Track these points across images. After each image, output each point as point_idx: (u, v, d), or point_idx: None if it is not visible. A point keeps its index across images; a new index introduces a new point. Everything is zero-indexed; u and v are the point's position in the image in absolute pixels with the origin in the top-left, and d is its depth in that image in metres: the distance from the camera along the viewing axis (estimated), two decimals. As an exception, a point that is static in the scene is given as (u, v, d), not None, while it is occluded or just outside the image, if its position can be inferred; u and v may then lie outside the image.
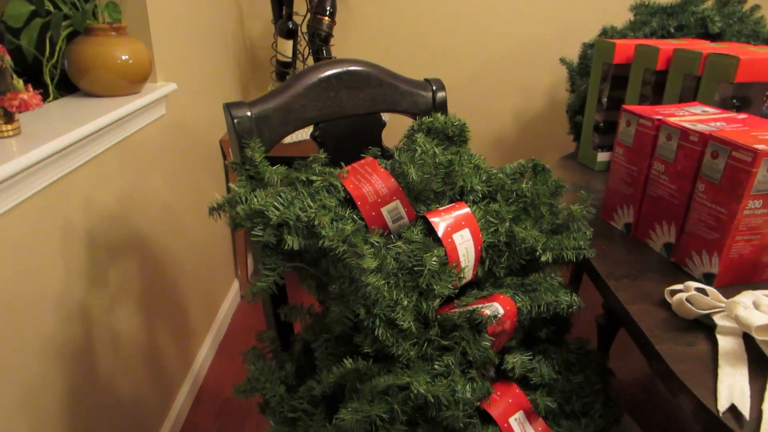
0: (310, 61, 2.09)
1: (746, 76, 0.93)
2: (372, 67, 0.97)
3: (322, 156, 0.80)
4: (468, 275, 0.77)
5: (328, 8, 1.91)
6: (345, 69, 0.93)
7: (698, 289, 0.69)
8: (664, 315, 0.69)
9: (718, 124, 0.79)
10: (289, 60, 1.95)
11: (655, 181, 0.84)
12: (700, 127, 0.77)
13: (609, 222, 0.95)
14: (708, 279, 0.76)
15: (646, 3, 1.67)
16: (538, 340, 0.85)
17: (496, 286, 0.81)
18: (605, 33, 1.68)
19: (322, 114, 0.93)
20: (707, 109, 0.89)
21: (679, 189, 0.79)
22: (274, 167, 0.80)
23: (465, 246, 0.75)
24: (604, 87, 1.21)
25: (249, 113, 0.85)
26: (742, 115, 0.84)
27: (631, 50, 1.14)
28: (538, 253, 0.80)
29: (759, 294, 0.65)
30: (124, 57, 1.20)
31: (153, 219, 1.35)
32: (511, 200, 0.85)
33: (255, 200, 0.74)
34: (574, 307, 0.79)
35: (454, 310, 0.74)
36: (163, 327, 1.44)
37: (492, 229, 0.79)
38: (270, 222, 0.73)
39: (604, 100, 1.21)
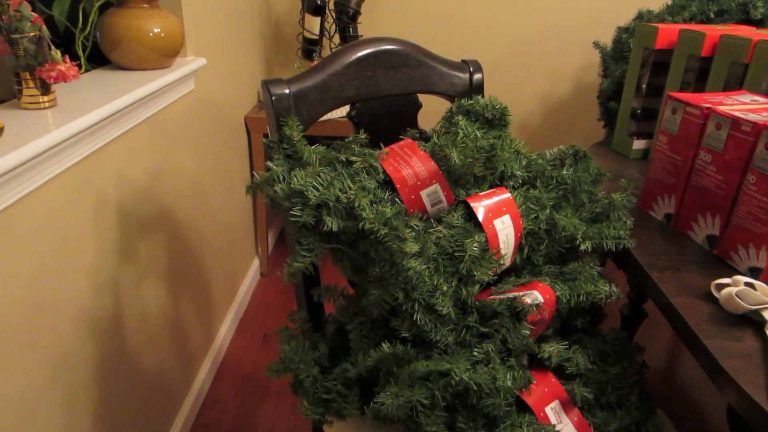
0: (336, 39, 2.07)
1: (798, 65, 0.90)
2: (410, 47, 0.95)
3: (362, 136, 0.79)
4: (507, 262, 0.76)
5: (357, -15, 1.88)
6: (383, 48, 0.92)
7: (747, 284, 0.67)
8: (710, 309, 0.68)
9: (770, 114, 0.77)
10: (316, 37, 1.93)
11: (701, 172, 0.82)
12: (752, 116, 0.75)
13: (648, 212, 0.94)
14: (754, 273, 0.74)
15: (686, -14, 1.62)
16: (574, 329, 0.84)
17: (534, 274, 0.80)
18: (641, 17, 1.64)
19: (359, 93, 0.91)
20: (757, 98, 0.86)
21: (726, 180, 0.77)
22: (313, 147, 0.79)
23: (505, 232, 0.74)
24: (643, 72, 1.18)
25: (287, 90, 0.84)
26: (794, 106, 0.82)
27: (674, 35, 1.10)
28: (577, 242, 0.79)
29: (812, 291, 0.63)
30: (156, 30, 1.19)
31: (180, 194, 1.35)
32: (551, 187, 0.83)
33: (294, 180, 0.73)
34: (613, 297, 0.78)
35: (492, 297, 0.73)
36: (187, 302, 1.45)
37: (532, 216, 0.77)
38: (309, 202, 0.72)
39: (643, 86, 1.18)
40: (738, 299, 0.65)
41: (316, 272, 0.92)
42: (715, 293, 0.69)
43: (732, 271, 0.76)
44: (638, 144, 1.19)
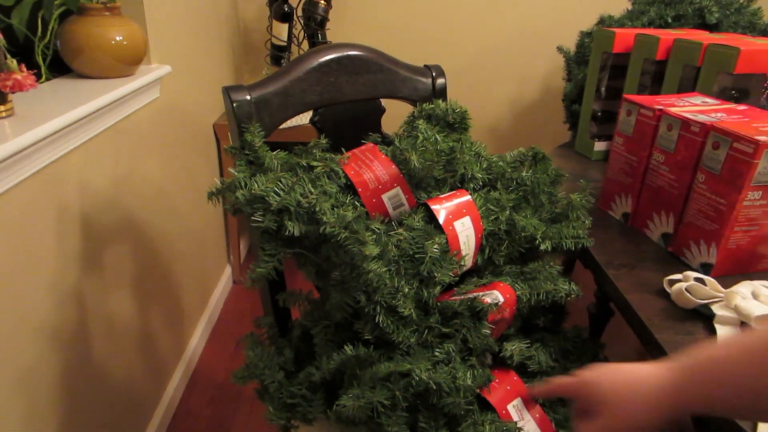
0: (305, 45, 2.07)
1: (746, 68, 0.93)
2: (372, 53, 0.96)
3: (323, 141, 0.79)
4: (468, 263, 0.77)
5: (324, -8, 1.89)
6: (345, 53, 0.93)
7: (697, 279, 0.70)
8: (663, 304, 0.70)
9: (719, 115, 0.79)
10: (284, 44, 1.93)
11: (655, 171, 0.84)
12: (701, 117, 0.77)
13: (607, 212, 0.96)
14: (706, 269, 0.76)
15: (644, -8, 1.66)
16: (536, 328, 0.85)
17: (495, 274, 0.81)
18: (603, 22, 1.67)
19: (322, 99, 0.92)
20: (707, 99, 0.89)
21: (678, 179, 0.80)
22: (274, 152, 0.80)
23: (466, 234, 0.75)
24: (602, 76, 1.21)
25: (248, 97, 0.84)
26: (742, 107, 0.85)
27: (631, 40, 1.14)
28: (537, 242, 0.80)
29: (757, 284, 0.66)
30: (118, 38, 1.18)
31: (146, 202, 1.34)
32: (511, 188, 0.85)
33: (255, 185, 0.73)
34: (572, 296, 0.79)
35: (454, 298, 0.74)
36: (157, 311, 1.43)
37: (492, 217, 0.79)
38: (270, 207, 0.72)
39: (603, 89, 1.21)
40: (688, 294, 0.67)
41: (281, 277, 0.92)
42: (667, 289, 0.71)
43: (686, 267, 0.78)
44: (599, 146, 1.22)
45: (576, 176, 1.13)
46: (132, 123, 1.25)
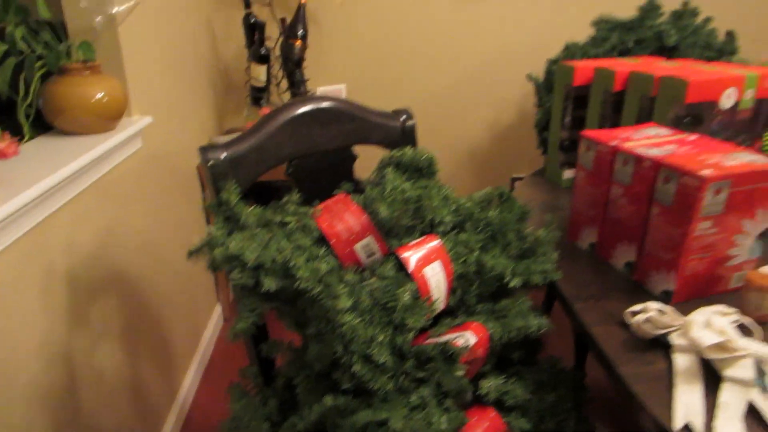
0: (284, 84, 2.12)
1: (696, 97, 0.98)
2: (343, 103, 1.00)
3: (295, 197, 0.83)
4: (440, 306, 0.80)
5: (300, 32, 1.94)
6: (317, 107, 0.97)
7: (657, 309, 0.73)
8: (626, 336, 0.73)
9: (670, 147, 0.84)
10: (263, 85, 1.97)
11: (615, 204, 0.88)
12: (653, 152, 0.82)
13: (575, 242, 1.00)
14: (667, 296, 0.80)
15: (607, 18, 1.72)
16: (512, 362, 0.88)
17: (468, 314, 0.84)
18: (568, 49, 1.73)
19: (295, 151, 0.96)
20: (661, 131, 0.94)
21: (636, 211, 0.84)
22: (250, 209, 0.83)
23: (436, 278, 0.79)
24: (567, 105, 1.26)
25: (224, 155, 0.88)
26: (693, 136, 0.89)
27: (590, 73, 1.19)
28: (506, 279, 0.84)
29: (711, 311, 0.69)
30: (98, 95, 1.22)
31: (133, 252, 1.37)
32: (479, 229, 0.88)
33: (231, 244, 0.76)
34: (543, 330, 0.83)
35: (428, 341, 0.77)
36: (148, 358, 1.45)
37: (462, 260, 0.82)
38: (246, 265, 0.75)
39: (567, 119, 1.25)
40: (647, 325, 0.70)
41: (264, 327, 0.94)
42: (628, 321, 0.74)
43: (649, 295, 0.82)
44: (568, 173, 1.26)
45: (547, 205, 1.17)
46: (116, 176, 1.29)
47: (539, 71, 2.27)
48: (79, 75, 1.22)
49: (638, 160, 0.82)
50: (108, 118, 1.24)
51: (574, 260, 0.94)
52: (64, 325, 1.06)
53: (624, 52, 1.65)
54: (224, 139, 2.02)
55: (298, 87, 2.00)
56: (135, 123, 1.34)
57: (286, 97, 2.13)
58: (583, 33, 2.23)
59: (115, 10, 1.22)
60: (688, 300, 0.80)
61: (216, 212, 0.85)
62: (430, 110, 2.35)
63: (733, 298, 0.80)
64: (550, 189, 1.27)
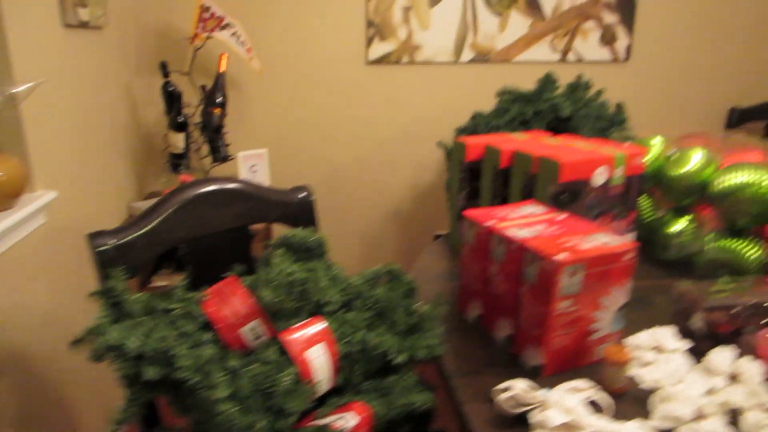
0: (204, 149, 2.14)
1: (569, 176, 1.07)
2: (238, 183, 1.03)
3: (182, 283, 0.84)
4: (325, 388, 0.83)
5: (218, 99, 1.98)
6: (210, 189, 0.99)
7: (523, 386, 0.78)
8: (494, 413, 0.77)
9: (539, 228, 0.91)
10: (181, 152, 1.99)
11: (493, 280, 0.94)
12: (522, 233, 0.88)
13: (464, 314, 1.05)
14: (538, 369, 0.85)
15: (510, 90, 1.85)
16: (401, 436, 0.91)
17: (356, 392, 0.87)
18: (475, 118, 1.85)
19: (189, 233, 0.97)
20: (537, 209, 1.01)
21: (510, 288, 0.90)
22: (137, 296, 0.84)
23: (319, 360, 0.81)
24: (464, 176, 1.34)
25: (112, 242, 0.88)
26: (562, 216, 0.97)
27: (481, 150, 1.27)
28: (392, 357, 0.87)
29: (565, 388, 0.74)
30: (-5, 175, 1.20)
31: (37, 330, 1.32)
32: (367, 306, 0.92)
33: (113, 334, 0.77)
34: (428, 405, 0.86)
35: (312, 423, 0.79)
36: (49, 441, 1.38)
37: (346, 339, 0.85)
38: (128, 355, 0.76)
39: (464, 191, 1.33)
40: (511, 402, 0.75)
41: (154, 413, 0.93)
42: (495, 398, 0.78)
43: (523, 370, 0.87)
44: (467, 242, 1.33)
45: (447, 274, 1.22)
46: (16, 253, 1.26)
47: (451, 136, 2.39)
48: (-24, 153, 1.21)
49: (508, 241, 0.88)
50: (5, 197, 1.22)
51: (463, 332, 0.99)
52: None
53: (524, 123, 1.77)
54: (143, 205, 2.00)
55: (218, 153, 2.02)
56: (37, 199, 1.32)
57: (207, 162, 2.14)
58: (489, 103, 2.37)
59: (15, 90, 1.22)
60: (557, 373, 0.85)
61: (102, 300, 0.85)
62: (352, 172, 2.42)
63: (600, 370, 0.86)
64: (453, 256, 1.33)
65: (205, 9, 1.94)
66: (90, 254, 0.88)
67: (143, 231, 0.92)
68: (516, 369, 0.87)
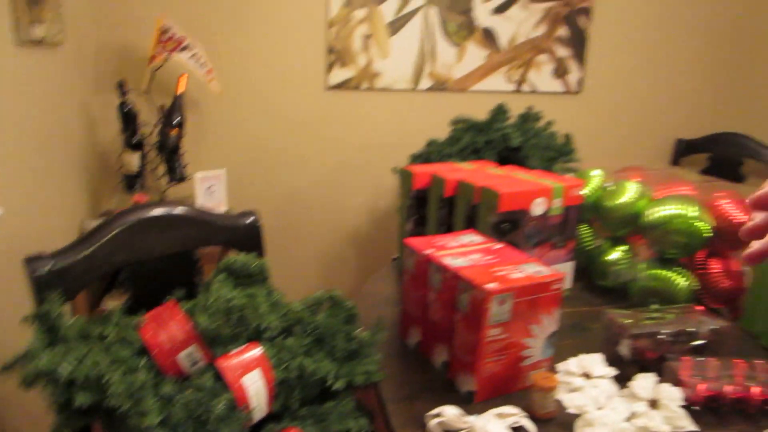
0: (161, 169, 2.13)
1: (508, 206, 1.11)
2: (183, 208, 1.04)
3: (118, 309, 0.85)
4: (260, 414, 0.83)
5: (175, 121, 1.98)
6: (152, 214, 1.00)
7: (454, 412, 0.80)
8: (426, 437, 0.79)
9: (475, 257, 0.94)
10: (135, 172, 1.98)
11: (431, 307, 0.97)
12: (458, 261, 0.92)
13: (405, 339, 1.07)
14: (470, 395, 0.88)
15: (463, 119, 1.91)
16: (338, 462, 0.91)
17: (293, 418, 0.88)
18: (429, 145, 1.89)
19: (129, 258, 0.98)
20: (475, 238, 1.05)
21: (446, 316, 0.92)
22: (72, 320, 0.83)
23: (255, 386, 0.82)
24: (412, 203, 1.37)
25: (49, 267, 0.88)
26: (499, 245, 1.01)
27: (428, 178, 1.31)
28: (330, 382, 0.88)
29: (491, 414, 0.77)
30: (-64, 193, 1.18)
31: (-29, 354, 1.29)
32: (307, 332, 0.93)
33: (44, 359, 0.76)
34: (364, 431, 0.87)
35: (245, 449, 0.80)
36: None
37: (284, 366, 0.86)
38: (60, 380, 0.75)
39: (412, 218, 1.36)
40: (441, 429, 0.77)
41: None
42: (427, 423, 0.81)
43: (457, 395, 0.89)
44: (415, 268, 1.35)
45: (392, 299, 1.25)
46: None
47: (406, 162, 2.44)
48: None
49: (444, 270, 0.91)
50: (-55, 215, 1.20)
51: (403, 358, 1.01)
52: None
53: (476, 151, 1.82)
54: (94, 223, 1.97)
55: (174, 173, 2.02)
56: (-20, 218, 1.30)
57: (163, 182, 2.13)
58: (444, 131, 2.43)
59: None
60: (490, 398, 0.88)
61: (36, 324, 0.84)
62: (312, 195, 2.44)
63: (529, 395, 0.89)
64: (402, 280, 1.35)
65: (164, 31, 1.95)
66: (26, 279, 0.87)
67: (82, 255, 0.92)
68: (451, 394, 0.90)
